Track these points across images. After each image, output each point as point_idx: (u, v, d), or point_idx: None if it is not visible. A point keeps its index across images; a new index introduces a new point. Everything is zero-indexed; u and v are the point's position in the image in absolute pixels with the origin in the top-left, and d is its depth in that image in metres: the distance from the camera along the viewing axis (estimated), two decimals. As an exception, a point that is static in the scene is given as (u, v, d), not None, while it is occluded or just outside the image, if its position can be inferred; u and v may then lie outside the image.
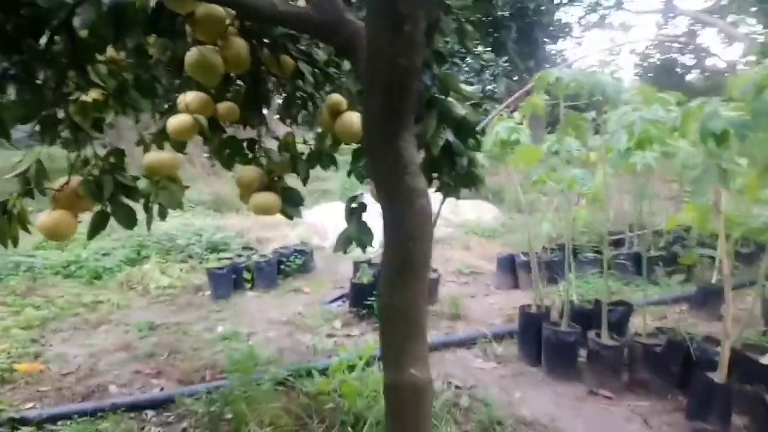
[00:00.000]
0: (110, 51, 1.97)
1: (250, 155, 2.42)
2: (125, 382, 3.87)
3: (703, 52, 20.29)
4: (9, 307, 5.30)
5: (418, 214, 1.27)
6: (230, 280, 5.93)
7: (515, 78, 12.80)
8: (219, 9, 1.60)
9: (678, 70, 21.61)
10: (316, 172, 2.65)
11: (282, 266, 6.45)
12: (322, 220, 8.90)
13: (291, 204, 2.31)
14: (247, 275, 6.09)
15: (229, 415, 2.87)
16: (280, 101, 2.64)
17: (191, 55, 1.73)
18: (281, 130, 2.56)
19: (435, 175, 2.31)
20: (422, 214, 1.28)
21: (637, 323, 4.12)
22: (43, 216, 1.90)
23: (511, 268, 6.06)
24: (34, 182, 2.06)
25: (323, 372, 3.46)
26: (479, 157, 2.57)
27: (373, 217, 1.92)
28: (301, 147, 2.45)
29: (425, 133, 2.17)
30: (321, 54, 2.24)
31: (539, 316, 4.00)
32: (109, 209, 2.16)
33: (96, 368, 4.10)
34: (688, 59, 21.61)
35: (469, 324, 4.90)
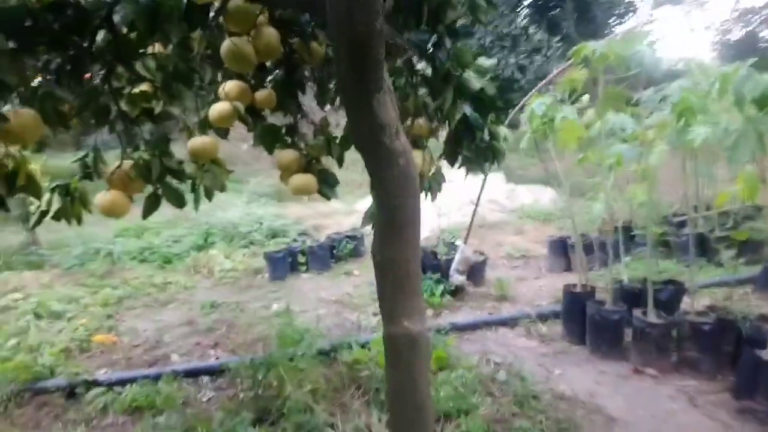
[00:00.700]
0: (158, 46, 2.16)
1: (289, 140, 2.56)
2: (186, 352, 4.23)
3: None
4: (89, 288, 5.88)
5: (399, 174, 1.36)
6: (286, 263, 6.24)
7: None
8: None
9: (761, 45, 19.84)
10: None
11: (334, 251, 6.69)
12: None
13: (327, 185, 2.44)
14: (301, 259, 6.38)
15: (272, 381, 3.08)
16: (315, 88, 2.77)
17: (225, 46, 1.87)
18: (318, 115, 2.70)
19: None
20: (403, 174, 1.36)
21: (692, 303, 3.95)
22: (99, 196, 2.13)
23: (563, 251, 5.94)
24: (92, 166, 2.32)
25: (363, 345, 3.61)
26: (502, 131, 2.59)
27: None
28: (335, 131, 2.57)
29: (443, 107, 2.24)
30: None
31: (584, 295, 3.93)
32: (159, 191, 2.35)
33: (162, 340, 4.49)
34: (771, 32, 19.89)
35: (515, 305, 4.88)
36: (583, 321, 3.80)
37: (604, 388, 3.30)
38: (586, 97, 4.37)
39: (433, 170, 2.57)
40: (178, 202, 2.41)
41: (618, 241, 4.43)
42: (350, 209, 9.56)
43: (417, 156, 2.23)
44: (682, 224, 6.16)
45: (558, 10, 11.77)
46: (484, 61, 2.26)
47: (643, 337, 3.43)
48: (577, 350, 3.84)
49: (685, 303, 4.04)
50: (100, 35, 1.76)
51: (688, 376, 3.33)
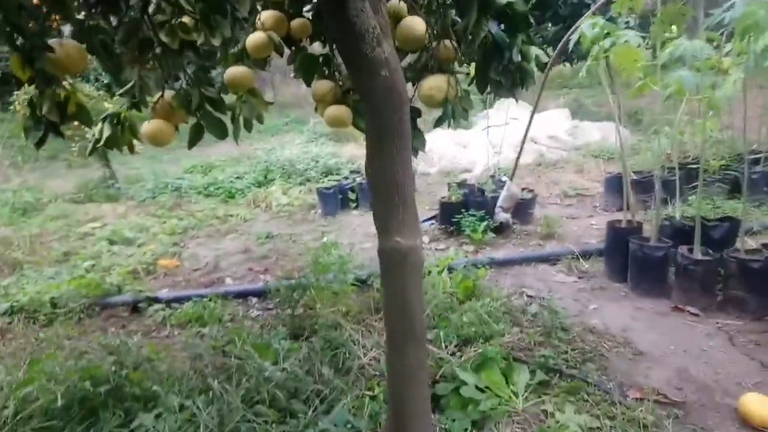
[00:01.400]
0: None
1: (325, 70, 2.56)
2: (239, 276, 4.56)
3: None
4: (158, 218, 6.39)
5: (381, 85, 1.36)
6: (337, 200, 6.42)
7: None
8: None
9: None
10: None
11: (385, 188, 6.76)
12: (433, 147, 8.97)
13: (361, 117, 2.44)
14: (352, 196, 6.53)
15: (308, 302, 3.29)
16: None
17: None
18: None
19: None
20: (386, 85, 1.37)
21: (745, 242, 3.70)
22: (145, 125, 2.27)
23: (619, 189, 5.64)
24: (138, 97, 2.47)
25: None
26: (534, 51, 2.46)
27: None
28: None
29: (468, 26, 2.16)
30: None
31: (628, 231, 3.78)
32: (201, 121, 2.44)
33: (219, 266, 4.86)
34: None
35: (561, 243, 4.78)
36: (626, 258, 3.68)
37: (639, 323, 3.23)
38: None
39: (457, 95, 2.51)
40: (220, 132, 2.49)
41: (680, 177, 4.17)
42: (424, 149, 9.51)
43: (441, 80, 2.19)
44: (756, 162, 5.66)
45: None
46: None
47: (687, 275, 3.28)
48: (618, 287, 3.75)
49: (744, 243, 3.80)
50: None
51: (732, 315, 3.18)
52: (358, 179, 6.82)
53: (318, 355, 2.68)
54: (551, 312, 3.28)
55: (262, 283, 4.22)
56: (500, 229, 5.04)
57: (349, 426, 1.98)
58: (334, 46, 2.45)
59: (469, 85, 2.51)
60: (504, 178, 5.43)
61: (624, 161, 4.07)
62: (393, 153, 1.48)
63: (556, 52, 4.62)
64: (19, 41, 1.71)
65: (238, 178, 8.09)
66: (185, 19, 2.29)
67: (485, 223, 4.91)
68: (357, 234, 5.56)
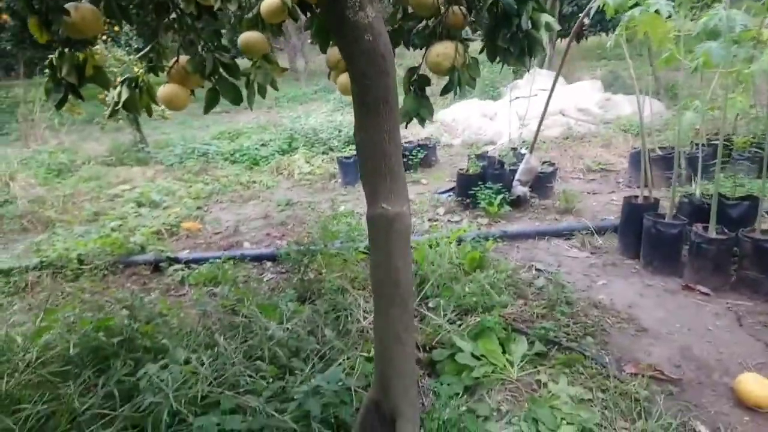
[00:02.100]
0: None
1: None
2: (257, 240, 4.69)
3: None
4: (185, 182, 6.57)
5: (365, 50, 1.38)
6: (356, 169, 6.45)
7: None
8: None
9: None
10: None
11: (405, 159, 6.75)
12: (458, 118, 8.86)
13: None
14: (372, 165, 6.54)
15: (316, 267, 3.38)
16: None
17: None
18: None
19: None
20: (369, 51, 1.38)
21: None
22: (160, 89, 2.33)
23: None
24: (155, 61, 2.53)
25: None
26: (544, 18, 2.40)
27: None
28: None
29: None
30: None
31: (644, 207, 3.71)
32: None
33: (239, 230, 5.00)
34: None
35: (579, 218, 4.72)
36: (640, 234, 3.62)
37: (647, 300, 3.20)
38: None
39: (465, 63, 2.48)
40: (234, 97, 2.52)
41: (707, 154, 4.04)
42: (432, 119, 9.41)
43: (449, 47, 2.17)
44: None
45: None
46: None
47: (700, 253, 3.22)
48: (630, 264, 3.70)
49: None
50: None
51: (744, 296, 3.12)
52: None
53: (321, 318, 2.78)
54: (557, 286, 3.29)
55: (277, 248, 4.35)
56: (517, 203, 5.00)
57: (340, 384, 2.07)
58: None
59: (480, 53, 2.48)
60: (523, 151, 5.35)
61: (643, 135, 3.97)
62: (379, 121, 1.50)
63: (578, 23, 4.45)
64: (37, 4, 1.78)
65: (263, 145, 8.20)
66: (201, -16, 2.31)
67: (501, 196, 4.88)
68: (374, 203, 5.60)
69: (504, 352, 2.69)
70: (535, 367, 2.60)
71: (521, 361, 2.62)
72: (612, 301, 3.22)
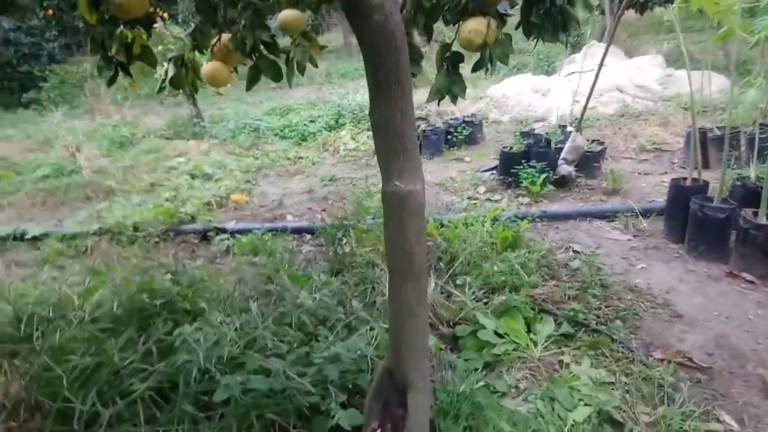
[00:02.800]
0: None
1: None
2: (299, 214, 4.85)
3: None
4: (236, 156, 6.82)
5: (376, 29, 1.40)
6: (401, 145, 6.46)
7: None
8: None
9: None
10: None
11: (449, 136, 6.70)
12: (508, 93, 8.65)
13: (413, 61, 2.43)
14: (416, 142, 6.53)
15: (347, 239, 3.48)
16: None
17: None
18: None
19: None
20: (381, 29, 1.40)
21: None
22: (204, 66, 2.45)
23: (701, 145, 5.20)
24: (198, 39, 2.65)
25: (442, 223, 3.78)
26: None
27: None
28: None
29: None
30: None
31: (692, 190, 3.54)
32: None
33: (283, 203, 5.18)
34: None
35: (626, 200, 4.56)
36: (686, 217, 3.47)
37: (686, 286, 3.09)
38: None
39: (497, 39, 2.44)
40: (274, 74, 2.57)
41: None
42: (480, 95, 9.25)
43: (481, 23, 2.15)
44: None
45: None
46: None
47: (747, 240, 3.06)
48: (674, 248, 3.57)
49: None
50: None
51: (795, 286, 2.96)
52: (422, 126, 6.79)
53: (350, 289, 2.88)
54: (593, 268, 3.23)
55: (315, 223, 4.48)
56: (561, 183, 4.88)
57: (358, 352, 2.15)
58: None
59: (516, 29, 2.44)
60: (571, 129, 5.18)
61: (693, 113, 3.78)
62: (391, 99, 1.53)
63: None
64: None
65: (311, 121, 8.35)
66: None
67: (545, 175, 4.77)
68: (416, 180, 5.62)
69: (529, 331, 2.70)
70: (560, 348, 2.60)
71: (545, 341, 2.62)
72: (649, 285, 3.13)
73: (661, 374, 2.31)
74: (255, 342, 2.31)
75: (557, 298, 3.00)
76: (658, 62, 8.50)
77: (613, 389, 2.29)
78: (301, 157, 6.95)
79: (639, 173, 5.30)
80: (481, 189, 5.11)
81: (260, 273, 3.17)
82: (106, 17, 2.15)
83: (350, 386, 2.10)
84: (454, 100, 2.32)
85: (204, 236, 4.29)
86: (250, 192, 5.60)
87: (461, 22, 2.13)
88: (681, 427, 2.01)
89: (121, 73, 2.32)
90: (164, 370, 2.11)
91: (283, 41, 2.68)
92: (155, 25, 2.29)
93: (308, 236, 4.25)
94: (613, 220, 4.12)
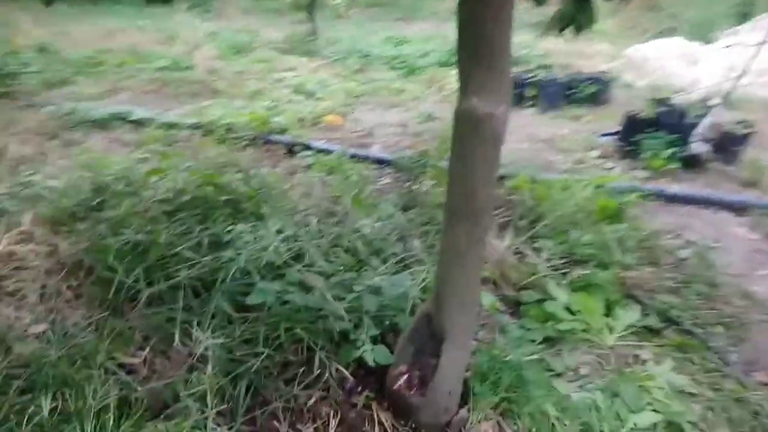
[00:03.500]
0: None
1: None
2: (388, 145, 4.65)
3: None
4: (342, 78, 6.70)
5: None
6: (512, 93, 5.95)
7: None
8: None
9: None
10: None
11: (570, 92, 6.03)
12: (650, 57, 7.60)
13: None
14: (530, 93, 5.97)
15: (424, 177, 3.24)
16: None
17: None
18: None
19: None
20: None
21: None
22: None
23: None
24: None
25: (535, 181, 3.39)
26: None
27: None
28: None
29: None
30: None
31: None
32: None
33: (374, 133, 5.00)
34: None
35: (764, 195, 3.82)
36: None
37: (820, 306, 2.52)
38: None
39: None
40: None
41: None
42: (618, 54, 8.22)
43: None
44: None
45: None
46: None
47: None
48: (814, 261, 2.93)
49: None
50: None
51: None
52: (543, 74, 6.16)
53: (415, 227, 2.67)
54: (704, 262, 2.74)
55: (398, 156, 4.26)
56: (691, 162, 4.19)
57: (401, 289, 1.97)
58: None
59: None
60: (715, 102, 4.39)
61: None
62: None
63: None
64: None
65: (424, 55, 7.95)
66: None
67: (673, 150, 4.12)
68: (519, 133, 5.15)
69: (608, 315, 2.34)
70: (640, 341, 2.23)
71: (624, 330, 2.26)
72: (769, 296, 2.59)
73: (760, 400, 1.89)
74: (302, 256, 2.21)
75: (651, 286, 2.57)
76: None
77: (693, 402, 1.92)
78: (403, 90, 6.66)
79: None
80: (594, 153, 4.55)
81: (331, 194, 3.05)
82: None
83: (388, 323, 1.94)
84: (577, 30, 1.91)
85: (290, 149, 4.25)
86: (346, 116, 5.47)
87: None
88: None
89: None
90: (208, 262, 2.07)
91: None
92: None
93: (389, 169, 4.05)
94: (742, 215, 3.47)
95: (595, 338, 2.20)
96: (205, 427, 1.62)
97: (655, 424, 1.80)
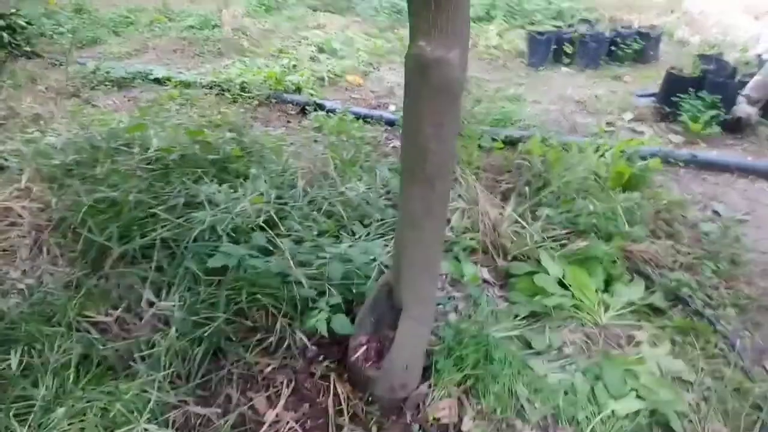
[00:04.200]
0: None
1: None
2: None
3: None
4: (369, 37, 6.46)
5: None
6: (548, 50, 5.56)
7: None
8: None
9: None
10: None
11: (614, 48, 5.56)
12: (708, 11, 6.90)
13: None
14: (568, 49, 5.55)
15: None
16: None
17: None
18: None
19: None
20: None
21: None
22: None
23: None
24: None
25: (546, 142, 3.14)
26: None
27: None
28: None
29: None
30: None
31: None
32: None
33: (394, 92, 4.80)
34: None
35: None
36: None
37: None
38: None
39: None
40: None
41: None
42: (673, 7, 7.51)
43: None
44: None
45: None
46: None
47: None
48: None
49: None
50: None
51: None
52: (583, 30, 5.70)
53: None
54: (729, 236, 2.48)
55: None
56: (735, 126, 3.79)
57: (372, 258, 1.87)
58: None
59: None
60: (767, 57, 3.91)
61: None
62: None
63: None
64: None
65: (459, 11, 7.54)
66: None
67: (715, 112, 3.73)
68: (551, 93, 4.83)
69: (606, 291, 2.16)
70: (639, 320, 2.06)
71: (623, 308, 2.09)
72: (799, 274, 2.32)
73: (765, 392, 1.70)
74: (280, 220, 2.13)
75: (663, 262, 2.35)
76: None
77: (687, 390, 1.75)
78: (434, 48, 6.36)
79: None
80: (627, 115, 4.19)
81: (330, 155, 2.94)
82: None
83: (355, 291, 1.85)
84: None
85: (302, 109, 4.15)
86: (368, 75, 5.28)
87: None
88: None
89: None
90: (181, 222, 2.03)
91: None
92: None
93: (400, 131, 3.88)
94: (784, 186, 3.12)
95: (586, 316, 2.04)
96: (159, 388, 1.60)
97: (637, 413, 1.65)
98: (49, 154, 2.64)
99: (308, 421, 1.61)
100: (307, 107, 4.13)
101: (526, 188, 2.65)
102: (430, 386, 1.67)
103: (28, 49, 4.97)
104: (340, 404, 1.64)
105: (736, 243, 2.47)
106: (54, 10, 6.52)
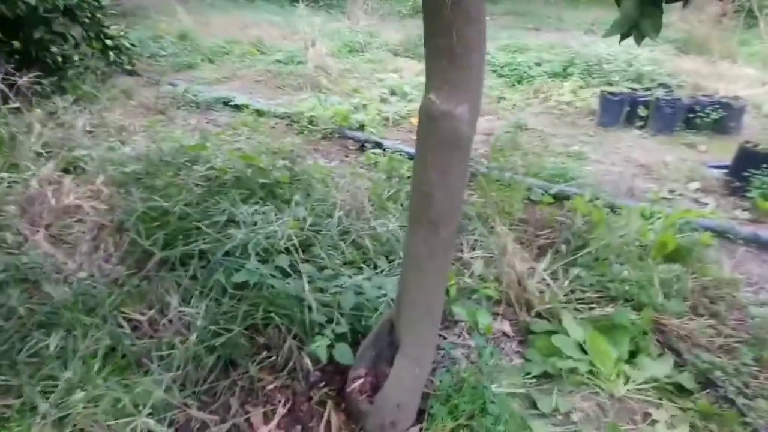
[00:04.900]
0: None
1: None
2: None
3: None
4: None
5: None
6: (621, 111, 5.45)
7: None
8: None
9: None
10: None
11: (692, 115, 5.35)
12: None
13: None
14: (642, 112, 5.41)
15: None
16: None
17: None
18: None
19: None
20: None
21: None
22: None
23: None
24: None
25: (593, 202, 3.08)
26: None
27: None
28: None
29: None
30: None
31: None
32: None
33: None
34: None
35: None
36: None
37: None
38: None
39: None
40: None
41: None
42: (766, 78, 7.13)
43: None
44: None
45: None
46: None
47: None
48: None
49: None
50: None
51: None
52: (660, 94, 5.54)
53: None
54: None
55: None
56: (812, 209, 3.52)
57: (382, 291, 1.92)
58: None
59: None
60: None
61: None
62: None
63: None
64: None
65: (537, 64, 7.57)
66: None
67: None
68: (616, 154, 4.71)
69: (629, 362, 2.07)
70: (660, 398, 1.94)
71: (644, 382, 1.98)
72: None
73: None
74: (309, 246, 2.25)
75: (700, 341, 2.21)
76: None
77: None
78: (504, 98, 6.43)
79: None
80: (693, 185, 4.00)
81: (373, 190, 3.06)
82: None
83: (364, 323, 1.90)
84: (638, 39, 1.69)
85: (362, 146, 4.34)
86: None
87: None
88: None
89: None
90: (219, 238, 2.20)
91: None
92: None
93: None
94: None
95: (602, 384, 1.95)
96: (167, 388, 1.72)
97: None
98: (123, 162, 2.96)
99: (297, 443, 1.66)
100: (366, 144, 4.31)
101: (564, 246, 2.61)
102: (421, 429, 1.67)
103: (129, 67, 5.59)
104: (331, 432, 1.68)
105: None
106: (161, 36, 7.30)
